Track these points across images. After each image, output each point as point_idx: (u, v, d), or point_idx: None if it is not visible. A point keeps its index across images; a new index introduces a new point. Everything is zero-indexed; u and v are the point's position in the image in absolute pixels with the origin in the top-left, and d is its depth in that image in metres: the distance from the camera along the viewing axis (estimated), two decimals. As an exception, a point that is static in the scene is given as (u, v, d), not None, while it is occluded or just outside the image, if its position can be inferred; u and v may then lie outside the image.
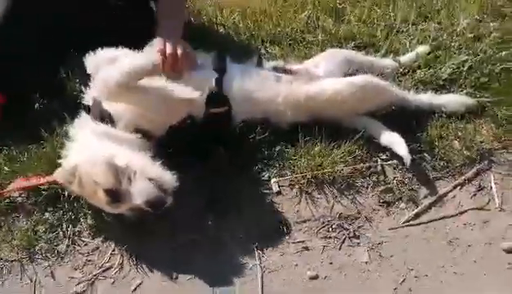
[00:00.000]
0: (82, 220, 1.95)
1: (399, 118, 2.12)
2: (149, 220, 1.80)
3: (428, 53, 2.37)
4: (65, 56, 2.32)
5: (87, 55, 1.96)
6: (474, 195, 1.97)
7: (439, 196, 1.97)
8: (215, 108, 1.98)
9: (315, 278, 1.79)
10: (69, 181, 1.77)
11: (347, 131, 2.08)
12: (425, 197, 1.98)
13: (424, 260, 1.81)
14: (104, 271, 1.84)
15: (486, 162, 2.04)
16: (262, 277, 1.80)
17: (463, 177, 2.01)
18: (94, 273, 1.83)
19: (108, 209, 1.77)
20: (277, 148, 2.07)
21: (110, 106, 1.84)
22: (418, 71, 2.32)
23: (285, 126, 2.09)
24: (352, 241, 1.88)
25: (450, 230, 1.89)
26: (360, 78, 2.06)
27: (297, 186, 2.01)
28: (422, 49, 2.38)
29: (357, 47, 2.47)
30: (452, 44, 2.42)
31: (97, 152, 1.75)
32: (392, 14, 2.63)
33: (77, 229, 1.94)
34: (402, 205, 1.96)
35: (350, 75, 2.15)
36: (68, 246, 1.90)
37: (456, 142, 2.09)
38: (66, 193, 1.94)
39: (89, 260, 1.87)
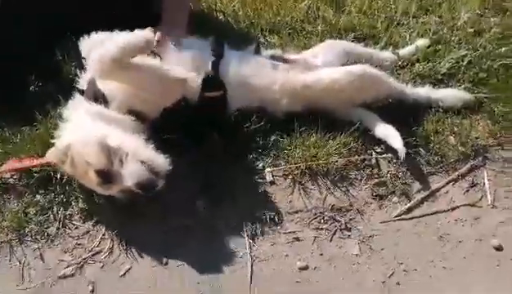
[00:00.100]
0: (73, 203, 1.94)
1: (396, 111, 2.11)
2: (140, 202, 1.79)
3: (428, 47, 2.35)
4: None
5: (81, 38, 1.96)
6: (467, 191, 1.97)
7: (432, 191, 1.97)
8: (211, 91, 1.97)
9: (305, 268, 1.80)
10: (62, 161, 1.77)
11: (342, 123, 2.07)
12: (418, 191, 1.97)
13: (415, 254, 1.82)
14: (93, 255, 1.84)
15: (480, 158, 2.04)
16: (252, 265, 1.80)
17: (456, 173, 2.01)
18: (83, 257, 1.84)
19: (99, 190, 1.77)
20: (272, 137, 2.06)
21: (104, 85, 1.83)
22: (417, 64, 2.31)
23: (281, 116, 2.08)
24: (344, 233, 1.88)
25: (441, 226, 1.89)
26: (358, 67, 2.05)
27: (290, 176, 2.00)
28: (422, 42, 2.36)
29: (357, 39, 2.45)
30: (452, 38, 2.40)
31: (90, 132, 1.75)
32: (393, 6, 2.61)
33: (68, 212, 1.93)
34: (395, 199, 1.96)
35: (348, 66, 2.14)
36: (58, 229, 1.90)
37: (452, 137, 2.08)
38: (58, 176, 1.94)
39: (79, 244, 1.87)
